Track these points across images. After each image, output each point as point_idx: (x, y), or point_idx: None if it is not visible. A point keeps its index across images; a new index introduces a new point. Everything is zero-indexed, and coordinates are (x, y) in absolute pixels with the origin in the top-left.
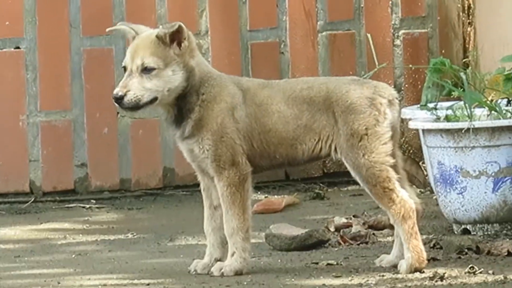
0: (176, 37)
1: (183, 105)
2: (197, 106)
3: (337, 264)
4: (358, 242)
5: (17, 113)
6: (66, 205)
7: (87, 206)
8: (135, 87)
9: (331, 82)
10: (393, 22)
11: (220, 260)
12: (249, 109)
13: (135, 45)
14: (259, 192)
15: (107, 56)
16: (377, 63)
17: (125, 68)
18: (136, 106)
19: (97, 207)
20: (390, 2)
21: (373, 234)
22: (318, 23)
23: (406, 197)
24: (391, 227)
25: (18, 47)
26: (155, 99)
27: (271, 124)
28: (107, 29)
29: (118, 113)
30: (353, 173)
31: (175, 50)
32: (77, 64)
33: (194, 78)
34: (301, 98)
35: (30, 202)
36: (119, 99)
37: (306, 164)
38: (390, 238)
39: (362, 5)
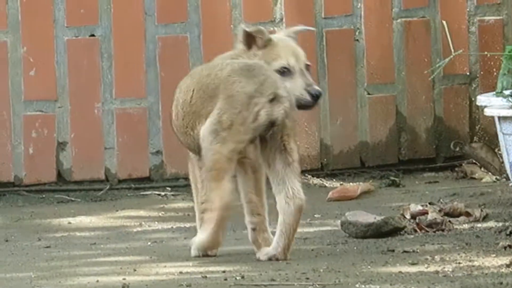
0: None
1: None
2: None
3: (413, 251)
4: (434, 230)
5: (92, 101)
6: (142, 193)
7: (163, 193)
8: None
9: (224, 70)
10: (468, 9)
11: None
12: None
13: (289, 47)
14: (334, 180)
15: (182, 43)
16: (452, 50)
17: (284, 70)
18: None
19: (173, 195)
20: None
21: (449, 221)
22: (393, 10)
23: (227, 192)
24: (467, 214)
25: (93, 35)
26: None
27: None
28: (247, 29)
29: None
30: None
31: None
32: (152, 52)
33: None
34: (200, 85)
35: (105, 189)
36: (320, 95)
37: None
38: (466, 226)
39: None
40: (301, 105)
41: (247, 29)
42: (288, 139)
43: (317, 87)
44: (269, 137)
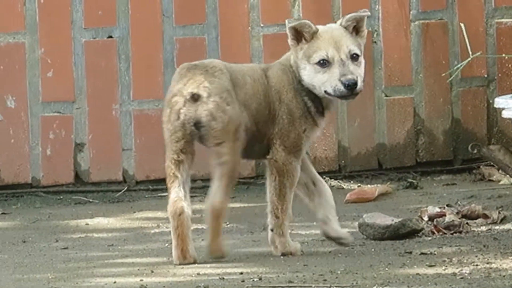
0: (356, 26)
1: None
2: None
3: (431, 253)
4: (452, 232)
5: (110, 102)
6: (159, 194)
7: None
8: (358, 73)
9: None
10: (486, 11)
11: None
12: None
13: (333, 36)
14: (351, 182)
15: (199, 45)
16: (470, 53)
17: (324, 62)
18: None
19: (191, 196)
20: None
21: (467, 223)
22: (411, 12)
23: (175, 199)
24: (485, 216)
25: (110, 36)
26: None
27: None
28: (289, 25)
29: None
30: None
31: (360, 39)
32: (169, 53)
33: None
34: None
35: (123, 191)
36: (355, 85)
37: None
38: (483, 228)
39: None
40: (339, 96)
41: (291, 24)
42: (215, 141)
43: (350, 76)
44: (202, 139)
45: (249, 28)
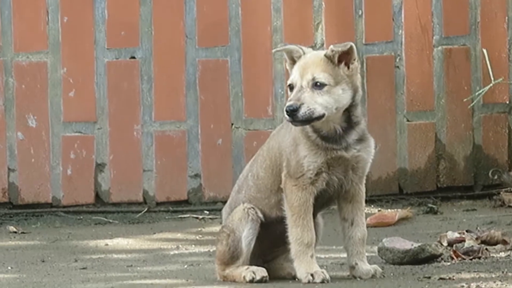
0: (344, 57)
1: (348, 120)
2: (362, 119)
3: (450, 278)
4: (471, 257)
5: (131, 123)
6: (179, 216)
7: (200, 217)
8: (308, 101)
9: None
10: (508, 38)
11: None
12: None
13: (304, 63)
14: (372, 206)
15: (222, 67)
16: (492, 79)
17: (291, 87)
18: (309, 119)
19: (210, 218)
20: (506, 17)
21: (486, 249)
22: (434, 37)
23: None
24: (504, 242)
25: (133, 57)
26: (323, 115)
27: None
28: (274, 50)
29: (232, 124)
30: None
31: (343, 70)
32: (192, 75)
33: (358, 97)
34: None
35: (143, 212)
36: (294, 111)
37: None
38: (502, 254)
39: (478, 20)
40: (287, 120)
41: (278, 49)
42: None
43: (290, 103)
44: None
45: (272, 51)
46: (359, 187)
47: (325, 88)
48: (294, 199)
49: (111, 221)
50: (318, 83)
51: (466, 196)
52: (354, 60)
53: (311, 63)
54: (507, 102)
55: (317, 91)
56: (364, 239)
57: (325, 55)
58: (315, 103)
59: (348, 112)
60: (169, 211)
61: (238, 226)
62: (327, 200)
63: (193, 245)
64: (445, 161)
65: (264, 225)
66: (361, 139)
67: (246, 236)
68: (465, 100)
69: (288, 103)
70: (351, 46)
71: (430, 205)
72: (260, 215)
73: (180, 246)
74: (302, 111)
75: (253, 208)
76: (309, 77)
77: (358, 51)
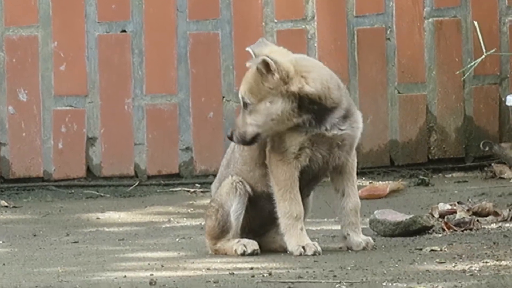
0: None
1: (322, 107)
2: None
3: (441, 250)
4: (462, 229)
5: (122, 97)
6: (171, 189)
7: (192, 190)
8: (239, 124)
9: None
10: (499, 9)
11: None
12: None
13: (243, 79)
14: (363, 178)
15: (213, 40)
16: (484, 50)
17: None
18: (244, 142)
19: (202, 191)
20: None
21: (477, 220)
22: (425, 9)
23: None
24: (496, 213)
25: (124, 31)
26: (257, 134)
27: None
28: (247, 48)
29: (223, 97)
30: None
31: (270, 83)
32: (183, 48)
33: (314, 91)
34: None
35: (134, 185)
36: (230, 138)
37: None
38: (494, 225)
39: None
40: None
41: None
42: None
43: (228, 132)
44: None
45: (263, 23)
46: (347, 159)
47: (250, 108)
48: (280, 173)
49: (102, 194)
50: (245, 103)
51: (457, 167)
52: (272, 72)
53: (244, 80)
54: (498, 73)
55: (247, 111)
56: (357, 210)
57: (256, 68)
58: (246, 124)
59: (318, 102)
60: (161, 185)
61: (226, 200)
62: (313, 177)
63: (184, 218)
64: (436, 133)
65: (252, 199)
66: (346, 116)
67: (235, 211)
68: (456, 72)
69: (227, 132)
70: (262, 60)
71: (421, 177)
72: (249, 189)
73: (172, 219)
74: (235, 137)
75: (241, 182)
76: (240, 97)
77: (349, 24)
